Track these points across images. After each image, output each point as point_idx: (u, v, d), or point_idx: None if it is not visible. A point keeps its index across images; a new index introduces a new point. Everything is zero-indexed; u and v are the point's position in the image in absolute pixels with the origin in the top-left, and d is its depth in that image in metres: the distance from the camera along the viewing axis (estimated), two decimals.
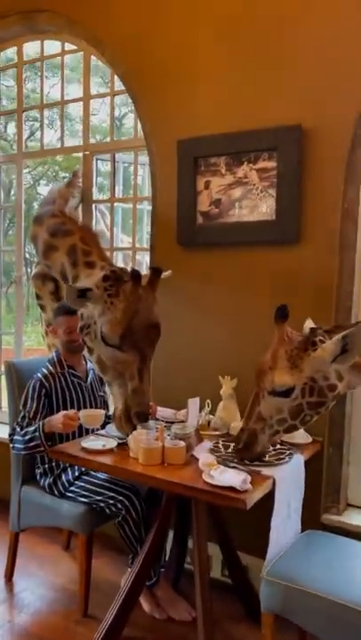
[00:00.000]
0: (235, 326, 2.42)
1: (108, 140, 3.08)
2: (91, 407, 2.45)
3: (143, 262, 3.17)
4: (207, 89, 2.42)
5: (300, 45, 2.19)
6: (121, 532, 2.22)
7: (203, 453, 1.91)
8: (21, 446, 2.28)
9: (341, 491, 2.30)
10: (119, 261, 3.14)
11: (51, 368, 2.44)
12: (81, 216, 2.94)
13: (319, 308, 2.16)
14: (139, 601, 2.23)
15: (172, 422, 2.21)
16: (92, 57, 2.93)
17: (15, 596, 2.43)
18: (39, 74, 3.32)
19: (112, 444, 2.06)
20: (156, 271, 2.10)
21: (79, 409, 2.35)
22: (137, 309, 2.00)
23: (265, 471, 1.80)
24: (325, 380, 1.70)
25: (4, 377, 2.72)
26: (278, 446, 1.98)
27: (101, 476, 2.26)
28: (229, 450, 1.99)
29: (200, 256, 2.50)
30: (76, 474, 2.33)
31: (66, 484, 2.33)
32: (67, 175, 3.15)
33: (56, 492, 2.35)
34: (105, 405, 2.57)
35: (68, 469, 2.36)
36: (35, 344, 8.77)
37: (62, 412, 2.21)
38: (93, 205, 3.02)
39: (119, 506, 2.18)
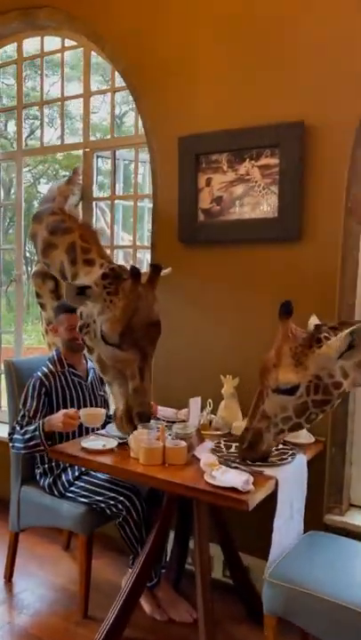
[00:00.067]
0: (236, 324, 2.40)
1: (109, 137, 3.05)
2: (91, 406, 2.43)
3: (144, 260, 3.15)
4: (209, 85, 2.40)
5: (303, 41, 2.16)
6: (122, 532, 2.20)
7: (204, 453, 1.89)
8: (21, 445, 2.26)
9: (344, 491, 2.28)
10: (120, 259, 3.12)
11: (51, 367, 2.42)
12: (81, 214, 2.92)
13: (322, 307, 2.14)
14: (139, 602, 2.21)
15: (173, 422, 2.19)
16: (93, 55, 2.91)
17: (15, 596, 2.41)
18: (39, 72, 3.29)
19: (112, 443, 2.04)
20: (155, 268, 2.07)
21: (79, 408, 2.32)
22: (137, 307, 1.98)
23: (267, 471, 1.78)
24: (331, 377, 1.67)
25: (3, 376, 2.70)
26: (281, 446, 1.95)
27: (102, 476, 2.24)
28: (231, 450, 1.97)
29: (201, 254, 2.48)
30: (76, 474, 2.31)
31: (66, 484, 2.31)
32: (67, 174, 3.13)
33: (56, 493, 2.33)
34: (105, 405, 2.55)
35: (68, 469, 2.34)
36: (35, 343, 8.77)
37: (62, 411, 2.19)
38: (94, 203, 3.00)
39: (120, 506, 2.16)
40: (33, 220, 2.47)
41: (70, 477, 2.32)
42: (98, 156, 3.03)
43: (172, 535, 2.38)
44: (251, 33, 2.27)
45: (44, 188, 12.53)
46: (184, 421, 2.11)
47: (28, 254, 8.93)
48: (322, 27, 2.12)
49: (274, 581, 1.70)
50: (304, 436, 2.12)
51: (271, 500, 1.74)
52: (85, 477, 2.28)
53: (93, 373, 2.53)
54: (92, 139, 3.07)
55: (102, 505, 2.19)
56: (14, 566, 2.53)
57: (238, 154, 2.33)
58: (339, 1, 2.08)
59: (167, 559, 2.41)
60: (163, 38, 2.50)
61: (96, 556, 2.35)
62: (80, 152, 3.02)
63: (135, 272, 1.97)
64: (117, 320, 1.96)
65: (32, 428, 2.24)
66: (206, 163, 2.42)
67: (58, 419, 2.16)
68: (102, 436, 2.13)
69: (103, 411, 2.27)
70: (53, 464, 2.36)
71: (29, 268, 8.32)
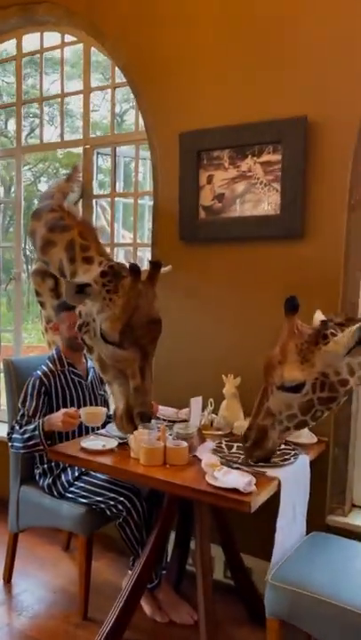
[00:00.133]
0: (238, 323, 2.37)
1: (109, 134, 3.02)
2: (91, 406, 2.41)
3: (144, 258, 3.12)
4: (210, 80, 2.37)
5: (306, 36, 2.13)
6: (122, 533, 2.18)
7: (205, 454, 1.87)
8: (20, 445, 2.23)
9: (347, 492, 2.25)
10: (120, 258, 3.09)
11: (51, 365, 2.40)
12: (81, 211, 2.89)
13: (325, 306, 2.08)
14: (140, 604, 2.19)
15: (174, 421, 2.17)
16: (93, 53, 2.88)
17: (14, 598, 2.39)
18: (39, 70, 3.26)
19: (112, 444, 2.01)
20: (155, 265, 2.04)
21: (79, 407, 2.30)
22: (137, 305, 1.95)
23: (270, 472, 1.75)
24: (337, 374, 1.63)
25: (2, 375, 2.68)
26: (283, 447, 1.93)
27: (102, 476, 2.21)
28: (233, 450, 1.94)
29: (202, 251, 2.46)
30: (76, 474, 2.29)
31: (65, 484, 2.29)
32: (67, 172, 3.11)
33: (55, 493, 2.31)
34: (106, 404, 2.53)
35: (68, 469, 2.32)
36: (35, 341, 8.76)
37: (62, 410, 2.16)
38: (94, 201, 2.97)
39: (120, 507, 2.13)
40: (32, 217, 2.45)
41: (70, 477, 2.29)
42: (98, 153, 3.00)
43: (172, 536, 2.36)
44: (254, 25, 2.24)
45: (44, 186, 12.51)
46: (185, 421, 2.09)
47: (28, 252, 8.90)
48: (323, 23, 2.09)
49: (277, 584, 1.68)
50: (307, 436, 2.09)
51: (273, 500, 1.71)
52: (85, 477, 2.26)
53: (93, 372, 2.50)
54: (92, 136, 3.04)
55: (102, 505, 2.17)
56: (13, 567, 2.51)
57: (240, 150, 2.30)
58: None
59: (168, 560, 2.39)
60: (164, 33, 2.47)
61: (96, 557, 2.33)
62: (80, 151, 2.99)
63: (135, 269, 1.94)
64: (117, 318, 1.93)
65: (31, 427, 2.22)
66: (208, 159, 2.39)
67: (58, 418, 2.14)
68: (102, 435, 2.10)
69: (104, 410, 2.25)
70: (53, 464, 2.34)
71: (29, 267, 8.29)
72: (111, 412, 2.21)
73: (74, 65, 9.00)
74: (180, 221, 2.47)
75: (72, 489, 2.26)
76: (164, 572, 2.30)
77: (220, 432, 2.19)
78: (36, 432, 2.18)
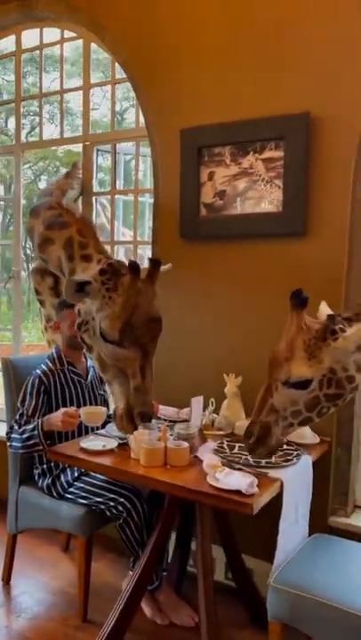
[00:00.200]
0: (239, 322, 2.35)
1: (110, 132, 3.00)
2: (91, 405, 2.38)
3: (145, 256, 3.09)
4: (211, 76, 2.34)
5: (308, 32, 2.11)
6: (122, 534, 2.15)
7: (207, 454, 1.84)
8: (19, 445, 2.21)
9: (350, 492, 2.23)
10: (120, 255, 3.06)
11: (50, 364, 2.37)
12: (81, 208, 2.86)
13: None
14: (140, 606, 2.17)
15: (175, 421, 2.14)
16: (93, 51, 2.86)
17: (13, 599, 2.37)
18: (38, 67, 3.23)
19: (112, 444, 1.99)
20: (155, 263, 2.01)
21: (79, 407, 2.27)
22: (137, 303, 1.92)
23: (272, 473, 1.73)
24: (345, 370, 1.59)
25: (1, 374, 2.65)
26: (286, 447, 1.90)
27: (102, 476, 2.19)
28: (234, 450, 1.91)
29: (203, 249, 2.43)
30: (76, 474, 2.27)
31: (65, 484, 2.26)
32: (67, 170, 3.09)
33: (55, 494, 2.28)
34: (105, 404, 2.50)
35: (68, 470, 2.29)
36: (35, 340, 8.74)
37: (62, 410, 2.14)
38: (94, 198, 2.94)
39: (120, 508, 2.11)
40: (30, 214, 2.42)
41: (69, 478, 2.27)
42: (98, 150, 2.97)
43: (173, 537, 2.33)
44: (257, 19, 2.21)
45: (44, 184, 12.47)
46: (186, 421, 2.07)
47: (28, 251, 8.88)
48: (323, 24, 2.07)
49: (279, 587, 1.66)
50: (309, 437, 2.07)
51: (275, 501, 1.69)
52: (85, 478, 2.23)
53: (93, 372, 2.48)
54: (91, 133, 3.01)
55: (102, 506, 2.15)
56: (12, 569, 2.48)
57: (242, 147, 2.28)
58: None
59: (168, 561, 2.36)
60: (164, 29, 2.44)
61: (96, 558, 2.31)
62: (80, 149, 2.96)
63: (134, 267, 1.91)
64: (117, 317, 1.91)
65: (30, 427, 2.19)
66: (209, 156, 2.36)
67: (57, 417, 2.11)
68: (102, 436, 2.08)
69: (104, 409, 2.22)
70: (52, 464, 2.31)
71: (29, 265, 8.27)
72: (111, 412, 2.19)
73: (74, 63, 8.97)
74: (180, 219, 2.45)
75: (71, 489, 2.24)
76: (164, 573, 2.28)
77: (221, 432, 2.17)
78: (36, 432, 2.15)
